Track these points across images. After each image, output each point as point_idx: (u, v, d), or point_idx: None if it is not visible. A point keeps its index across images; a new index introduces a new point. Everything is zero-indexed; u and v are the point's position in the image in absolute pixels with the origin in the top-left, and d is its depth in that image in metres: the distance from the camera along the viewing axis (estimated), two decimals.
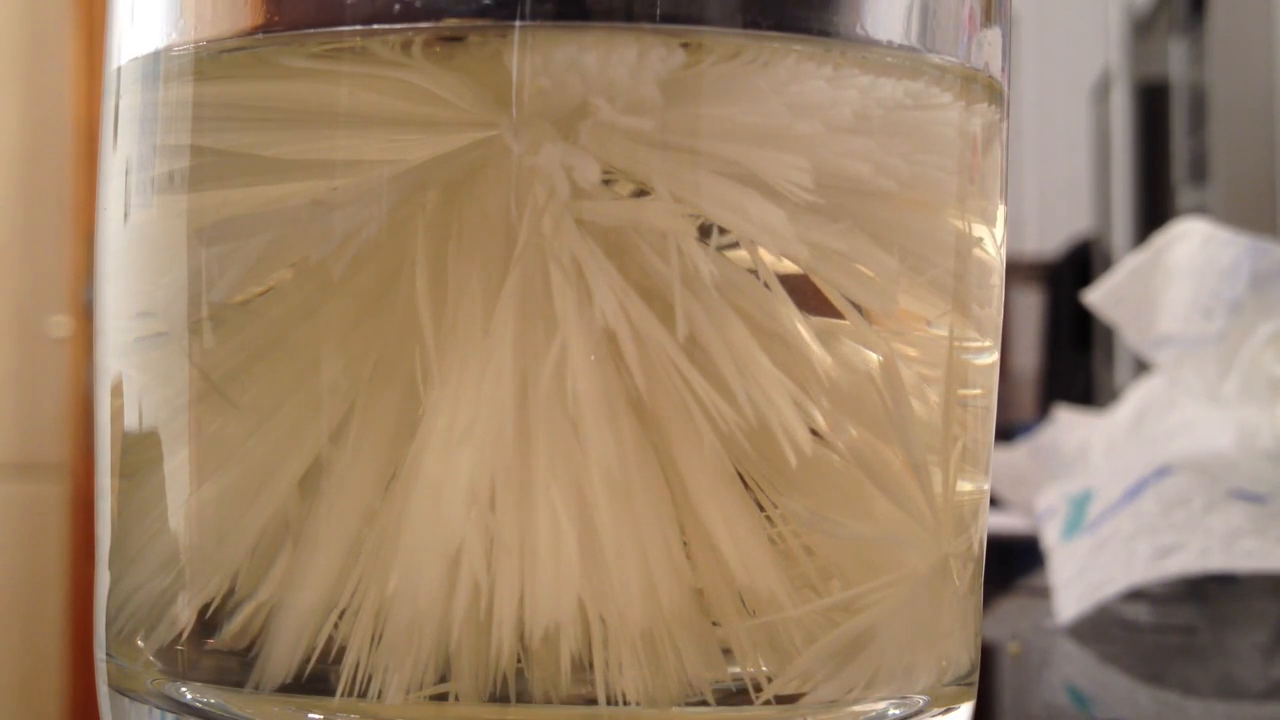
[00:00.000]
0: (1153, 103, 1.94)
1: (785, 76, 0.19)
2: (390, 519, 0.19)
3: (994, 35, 0.22)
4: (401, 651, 0.19)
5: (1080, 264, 2.23)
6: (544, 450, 0.18)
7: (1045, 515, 0.51)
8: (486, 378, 0.18)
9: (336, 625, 0.19)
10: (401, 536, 0.19)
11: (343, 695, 0.19)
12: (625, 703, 0.19)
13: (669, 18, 0.19)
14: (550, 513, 0.18)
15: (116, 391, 0.22)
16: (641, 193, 0.19)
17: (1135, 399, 0.60)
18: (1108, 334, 1.77)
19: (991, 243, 0.22)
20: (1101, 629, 0.45)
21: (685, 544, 0.19)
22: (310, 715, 0.19)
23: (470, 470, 0.18)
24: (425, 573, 0.19)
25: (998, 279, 0.23)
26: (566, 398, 0.18)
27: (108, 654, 0.22)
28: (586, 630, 0.18)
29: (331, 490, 0.19)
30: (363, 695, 0.19)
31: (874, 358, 0.20)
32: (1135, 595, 0.48)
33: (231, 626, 0.20)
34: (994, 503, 0.32)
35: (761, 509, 0.19)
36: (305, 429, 0.19)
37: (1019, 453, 0.67)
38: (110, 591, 0.22)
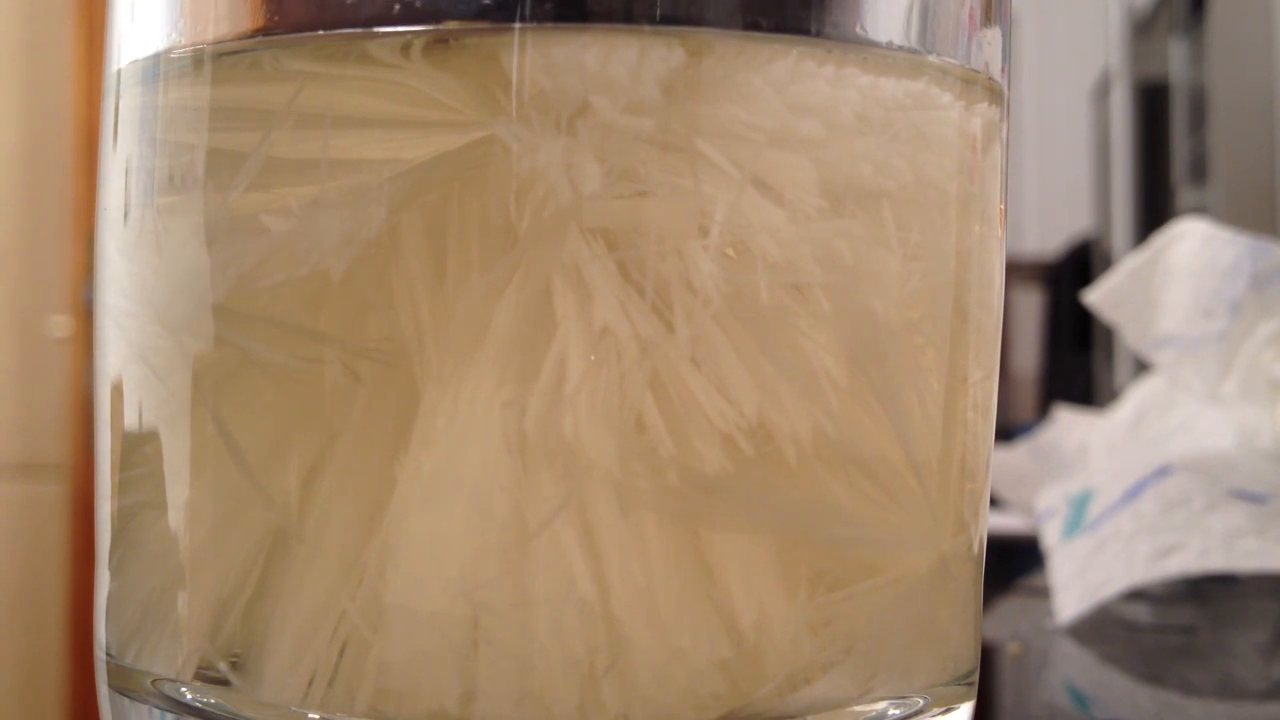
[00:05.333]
0: (1153, 103, 1.94)
1: (785, 77, 0.19)
2: (390, 521, 0.19)
3: (994, 35, 0.22)
4: (400, 654, 0.19)
5: (1080, 264, 2.23)
6: (544, 452, 0.18)
7: (1045, 515, 0.51)
8: (487, 378, 0.18)
9: (336, 626, 0.19)
10: (401, 539, 0.19)
11: (342, 696, 0.19)
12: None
13: (669, 18, 0.19)
14: (549, 515, 0.18)
15: (116, 391, 0.22)
16: (641, 193, 0.19)
17: (1135, 399, 0.60)
18: (1108, 334, 1.77)
19: (992, 243, 0.22)
20: (1101, 629, 0.45)
21: (686, 542, 0.19)
22: (310, 715, 0.19)
23: (470, 473, 0.18)
24: (424, 576, 0.19)
25: (998, 279, 0.23)
26: (566, 398, 0.18)
27: (108, 654, 0.22)
28: (590, 624, 0.18)
29: (332, 492, 0.19)
30: (362, 696, 0.19)
31: (873, 357, 0.20)
32: (1135, 595, 0.48)
33: (231, 626, 0.20)
34: (994, 503, 0.32)
35: (762, 509, 0.19)
36: (305, 430, 0.19)
37: (1019, 453, 0.67)
38: (110, 591, 0.22)
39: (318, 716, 0.19)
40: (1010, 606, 0.50)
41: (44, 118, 1.83)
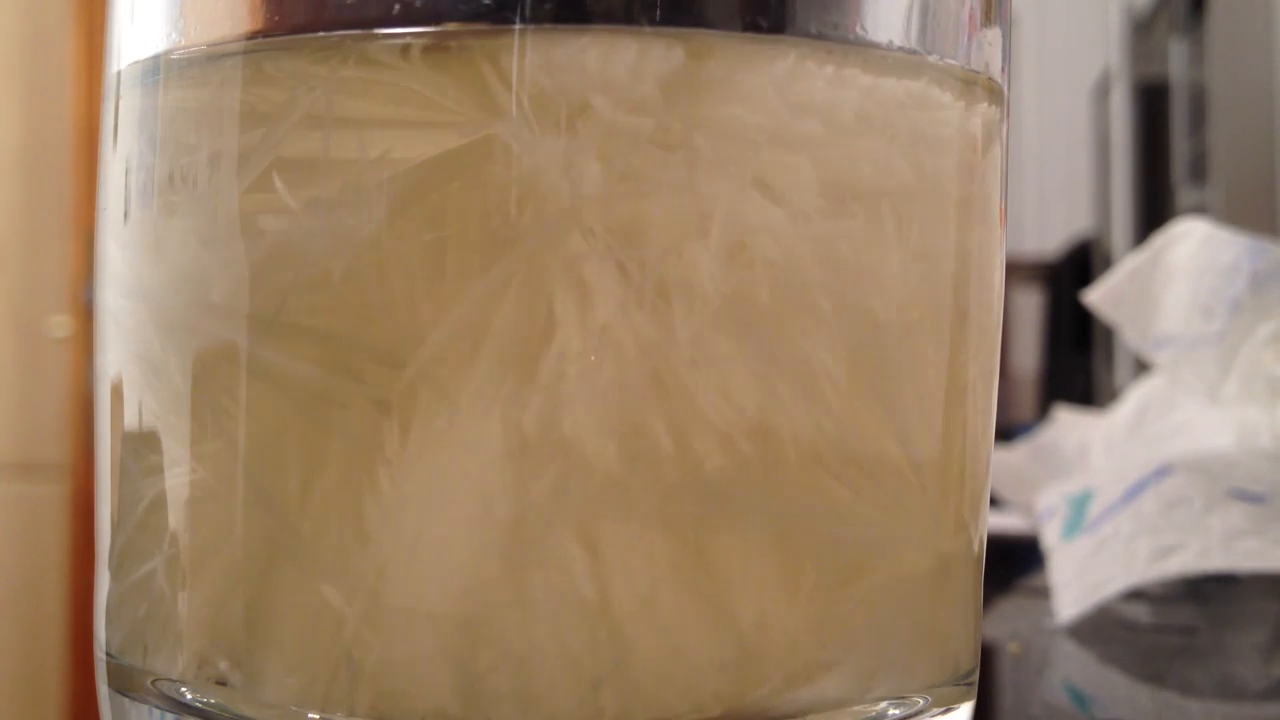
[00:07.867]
0: (1153, 103, 1.94)
1: (786, 77, 0.19)
2: (390, 521, 0.19)
3: (994, 35, 0.22)
4: (400, 654, 0.19)
5: (1080, 264, 2.23)
6: (544, 452, 0.18)
7: (1045, 515, 0.51)
8: (487, 378, 0.18)
9: (336, 626, 0.19)
10: (401, 539, 0.19)
11: (342, 696, 0.19)
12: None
13: (669, 19, 0.19)
14: (549, 516, 0.18)
15: (116, 391, 0.22)
16: (641, 193, 0.19)
17: (1135, 399, 0.60)
18: (1108, 334, 1.77)
19: (992, 243, 0.22)
20: (1101, 629, 0.45)
21: (686, 542, 0.19)
22: (310, 715, 0.19)
23: (470, 474, 0.18)
24: (424, 576, 0.19)
25: (998, 279, 0.23)
26: (566, 398, 0.18)
27: (108, 654, 0.22)
28: (590, 625, 0.18)
29: (331, 491, 0.19)
30: (362, 696, 0.19)
31: (873, 357, 0.20)
32: (1135, 595, 0.48)
33: (232, 627, 0.20)
34: (994, 503, 0.32)
35: (762, 509, 0.19)
36: (305, 429, 0.19)
37: (1019, 453, 0.67)
38: (110, 591, 0.22)
39: (318, 716, 0.19)
40: (1010, 606, 0.50)
41: (44, 118, 1.83)
